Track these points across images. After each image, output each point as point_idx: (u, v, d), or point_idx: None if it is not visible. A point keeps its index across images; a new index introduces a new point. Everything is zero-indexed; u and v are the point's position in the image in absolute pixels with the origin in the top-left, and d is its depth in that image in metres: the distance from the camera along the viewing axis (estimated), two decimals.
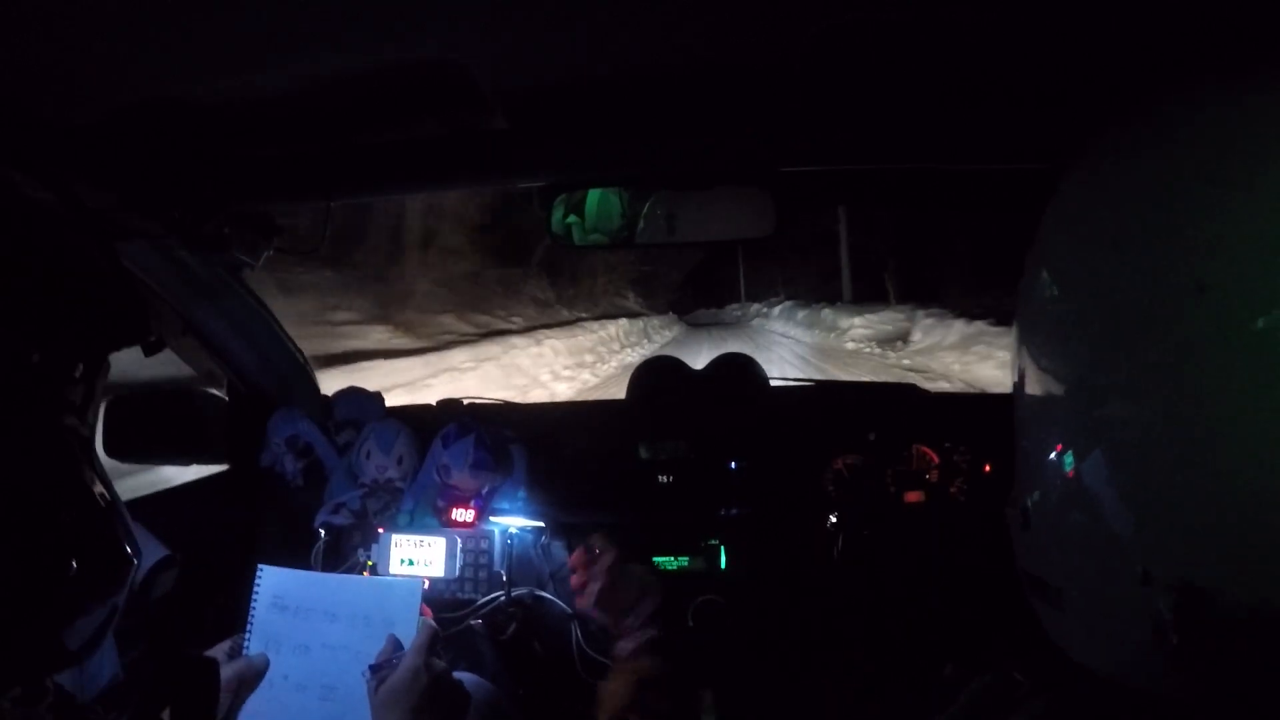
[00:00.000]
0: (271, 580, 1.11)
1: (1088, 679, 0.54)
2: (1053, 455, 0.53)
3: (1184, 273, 0.44)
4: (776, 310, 26.13)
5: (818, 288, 25.40)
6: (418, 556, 1.39)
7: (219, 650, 1.03)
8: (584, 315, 16.96)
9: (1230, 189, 0.44)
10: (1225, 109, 0.47)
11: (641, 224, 1.15)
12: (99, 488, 0.55)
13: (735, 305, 38.14)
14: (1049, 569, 0.55)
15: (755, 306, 31.86)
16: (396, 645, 0.99)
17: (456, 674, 1.07)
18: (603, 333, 14.93)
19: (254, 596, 1.10)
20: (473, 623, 1.39)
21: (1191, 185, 0.46)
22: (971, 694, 0.63)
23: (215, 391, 1.62)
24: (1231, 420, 0.42)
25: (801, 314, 21.21)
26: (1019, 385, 0.57)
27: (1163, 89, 0.51)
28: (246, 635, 1.07)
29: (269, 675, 1.03)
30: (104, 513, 0.55)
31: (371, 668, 0.96)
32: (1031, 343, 0.56)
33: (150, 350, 0.74)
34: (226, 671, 0.98)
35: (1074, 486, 0.50)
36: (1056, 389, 0.52)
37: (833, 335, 15.95)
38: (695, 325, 29.16)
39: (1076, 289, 0.52)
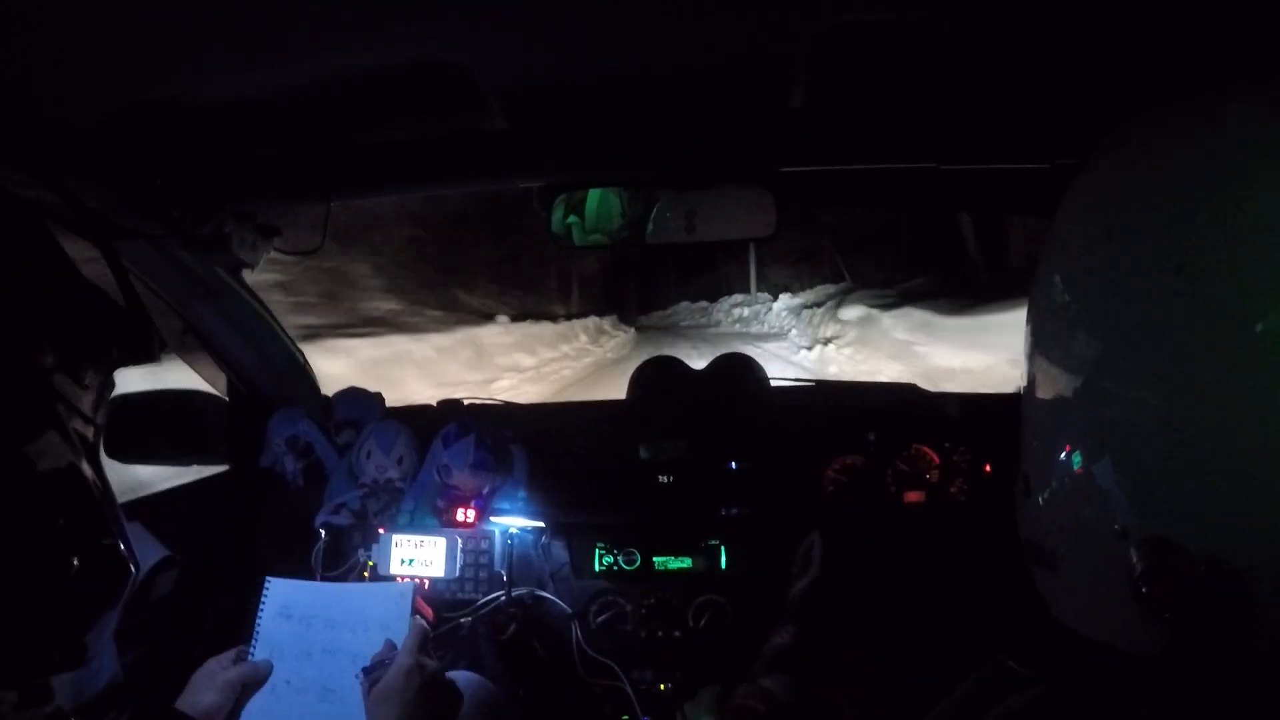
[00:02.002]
0: (278, 592, 1.14)
1: (1083, 669, 0.56)
2: (1046, 425, 0.58)
3: (1167, 255, 0.49)
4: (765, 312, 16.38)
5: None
6: (418, 556, 1.39)
7: (224, 658, 1.04)
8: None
9: (1218, 184, 0.49)
10: (1234, 110, 0.51)
11: (651, 226, 1.16)
12: (100, 493, 0.56)
13: (686, 303, 27.34)
14: (1044, 533, 0.59)
15: (718, 307, 22.90)
16: (391, 647, 1.01)
17: (455, 673, 1.08)
18: None
19: (261, 608, 1.12)
20: (463, 619, 1.39)
21: (1184, 179, 0.51)
22: (968, 684, 0.65)
23: (215, 391, 1.62)
24: (1205, 390, 0.47)
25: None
26: (1029, 364, 0.62)
27: (1173, 93, 0.55)
28: (252, 645, 1.09)
29: (272, 680, 1.05)
30: (104, 517, 0.55)
31: (365, 670, 0.97)
32: (1039, 326, 0.60)
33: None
34: (230, 674, 1.00)
35: (1064, 453, 0.56)
36: (1049, 361, 0.58)
37: None
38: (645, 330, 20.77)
39: (1075, 271, 0.57)
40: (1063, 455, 0.56)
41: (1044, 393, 0.58)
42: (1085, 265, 0.56)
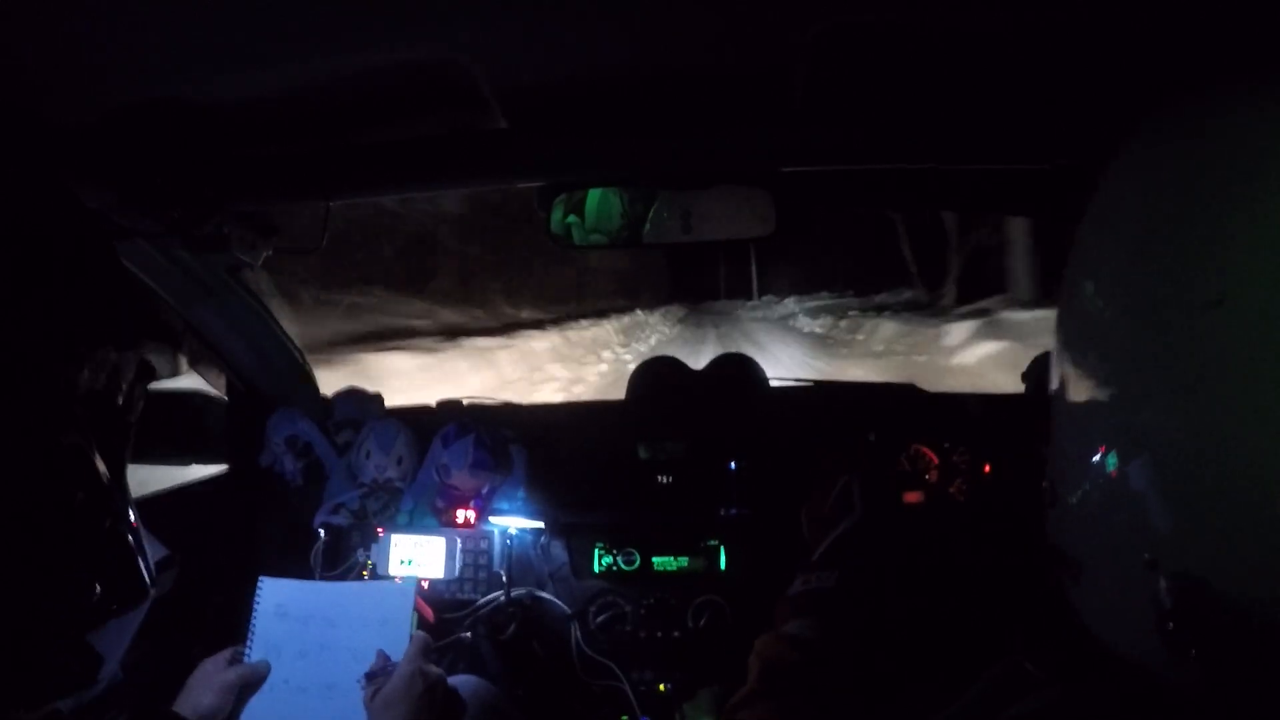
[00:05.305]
0: (272, 591, 1.14)
1: (1099, 671, 0.55)
2: (1078, 442, 0.55)
3: (1204, 284, 0.44)
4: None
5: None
6: (417, 556, 1.39)
7: (219, 659, 1.04)
8: None
9: (1253, 201, 0.44)
10: (1251, 116, 0.47)
11: (648, 226, 1.16)
12: (125, 504, 0.53)
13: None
14: (1070, 544, 0.57)
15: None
16: (386, 659, 1.02)
17: (455, 677, 1.08)
18: None
19: (255, 607, 1.12)
20: (464, 619, 1.39)
21: (1216, 194, 0.46)
22: (982, 684, 0.64)
23: (215, 391, 1.62)
24: (1244, 428, 0.43)
25: None
26: (1058, 372, 0.59)
27: (1194, 91, 0.51)
28: (248, 645, 1.09)
29: (270, 680, 1.05)
30: (127, 535, 0.53)
31: (366, 675, 0.97)
32: (1069, 336, 0.57)
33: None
34: (229, 676, 1.00)
35: (1095, 474, 0.52)
36: (1085, 381, 0.54)
37: None
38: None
39: (1107, 290, 0.53)
40: (1089, 473, 0.52)
41: (1070, 404, 0.55)
42: (1115, 284, 0.52)
